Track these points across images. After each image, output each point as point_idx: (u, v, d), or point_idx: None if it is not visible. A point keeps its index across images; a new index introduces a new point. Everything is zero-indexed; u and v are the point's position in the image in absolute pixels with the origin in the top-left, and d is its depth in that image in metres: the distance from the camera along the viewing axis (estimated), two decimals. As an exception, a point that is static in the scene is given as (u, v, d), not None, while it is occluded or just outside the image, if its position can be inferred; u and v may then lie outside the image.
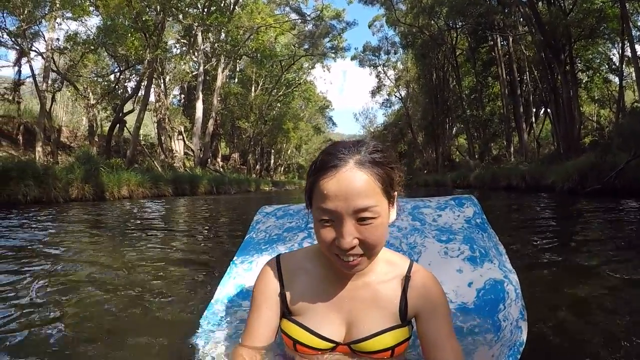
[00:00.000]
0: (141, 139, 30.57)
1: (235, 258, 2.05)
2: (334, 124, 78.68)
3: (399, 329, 1.23)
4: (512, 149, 30.20)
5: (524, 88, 29.30)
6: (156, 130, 32.34)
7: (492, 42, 31.13)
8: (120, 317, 2.13)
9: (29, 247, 4.51)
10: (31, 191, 12.83)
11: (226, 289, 1.89)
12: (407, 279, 1.26)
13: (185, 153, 33.48)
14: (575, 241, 4.82)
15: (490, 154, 34.53)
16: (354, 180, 1.07)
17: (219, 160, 41.19)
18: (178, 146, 32.99)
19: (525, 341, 1.34)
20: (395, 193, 1.18)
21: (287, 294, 1.27)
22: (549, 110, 25.87)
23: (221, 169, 37.14)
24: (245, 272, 1.96)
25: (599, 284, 2.74)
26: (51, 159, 21.04)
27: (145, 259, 3.86)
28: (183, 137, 33.09)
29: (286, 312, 1.28)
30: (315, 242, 1.96)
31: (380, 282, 1.26)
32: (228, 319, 1.73)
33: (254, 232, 2.22)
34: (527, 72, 28.16)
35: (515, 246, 4.42)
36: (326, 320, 1.24)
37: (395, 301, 1.24)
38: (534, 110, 30.57)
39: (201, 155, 30.07)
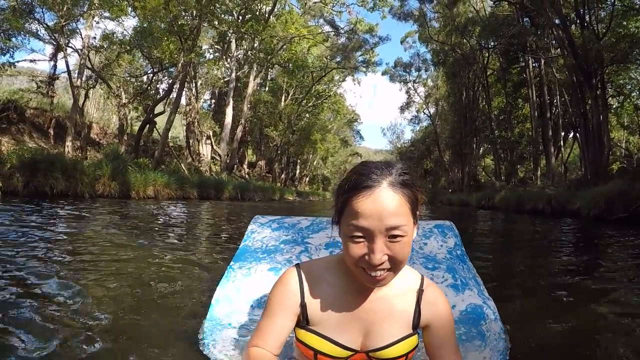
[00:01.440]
0: (170, 140, 31.02)
1: (232, 263, 2.13)
2: (361, 137, 78.57)
3: (412, 337, 1.33)
4: (539, 172, 29.72)
5: (553, 111, 28.84)
6: (185, 133, 32.85)
7: (523, 64, 30.76)
8: (132, 311, 2.23)
9: (52, 239, 4.67)
10: (58, 184, 13.00)
11: (225, 291, 1.97)
12: (420, 292, 1.37)
13: (212, 157, 33.75)
14: (590, 267, 4.72)
15: (516, 176, 34.00)
16: (387, 201, 1.14)
17: (245, 166, 41.42)
18: (206, 150, 33.31)
19: (509, 346, 1.60)
20: (418, 212, 1.26)
21: (308, 304, 1.32)
22: (577, 134, 25.48)
23: (247, 176, 37.34)
24: (244, 277, 2.04)
25: (609, 309, 2.72)
26: (80, 154, 21.33)
27: (163, 258, 3.95)
28: (211, 141, 33.48)
29: (303, 322, 1.33)
30: (313, 256, 2.09)
31: (396, 294, 1.34)
32: (230, 321, 1.83)
33: (249, 241, 2.29)
34: (558, 95, 27.70)
35: (536, 270, 4.43)
36: (345, 330, 1.30)
37: (409, 312, 1.34)
38: (563, 134, 29.98)
39: (228, 161, 30.39)
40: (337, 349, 1.29)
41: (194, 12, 22.45)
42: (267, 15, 30.22)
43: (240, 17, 28.18)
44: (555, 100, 28.53)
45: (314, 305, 1.32)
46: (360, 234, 1.16)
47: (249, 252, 2.19)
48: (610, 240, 7.68)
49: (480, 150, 44.00)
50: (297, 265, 1.38)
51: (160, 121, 27.63)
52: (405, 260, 1.21)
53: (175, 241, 5.41)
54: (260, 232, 2.34)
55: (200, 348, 1.66)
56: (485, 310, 1.89)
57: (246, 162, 43.23)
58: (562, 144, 29.36)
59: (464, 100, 43.34)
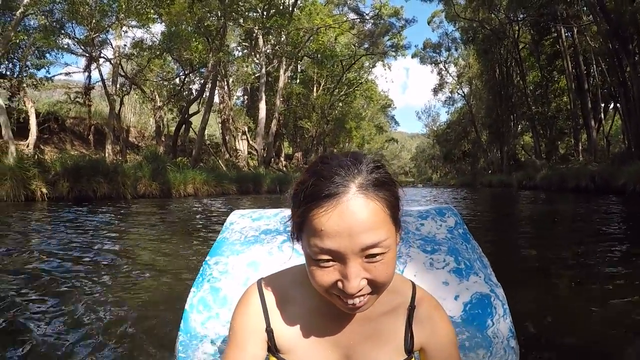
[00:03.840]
0: (206, 139, 31.70)
1: (208, 258, 1.89)
2: (396, 122, 77.56)
3: None
4: (580, 147, 28.75)
5: (591, 82, 27.82)
6: (220, 130, 33.42)
7: (556, 34, 29.55)
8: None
9: (96, 241, 5.18)
10: (101, 188, 13.71)
11: (200, 293, 1.76)
12: (412, 308, 1.11)
13: (249, 152, 34.35)
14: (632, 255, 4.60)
15: (557, 153, 33.08)
16: (359, 212, 0.86)
17: (282, 159, 41.76)
18: (242, 146, 33.92)
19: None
20: (400, 211, 0.98)
21: (275, 329, 1.09)
22: (618, 105, 24.60)
23: (284, 168, 37.72)
24: (220, 274, 1.82)
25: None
26: (120, 158, 22.05)
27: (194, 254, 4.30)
28: (247, 137, 34.01)
29: (272, 349, 1.09)
30: (296, 246, 2.01)
31: (382, 313, 1.09)
32: (206, 333, 1.62)
33: (227, 232, 2.06)
34: (594, 65, 26.65)
35: (582, 259, 4.45)
36: (322, 358, 1.08)
37: (399, 334, 1.10)
38: (603, 105, 28.74)
39: (264, 155, 30.79)
40: None
41: (219, 12, 22.79)
42: (290, 9, 30.40)
43: (265, 13, 28.46)
44: (592, 70, 27.47)
45: (282, 330, 1.09)
46: (327, 257, 0.90)
47: (226, 245, 1.95)
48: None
49: (519, 128, 42.83)
50: (260, 282, 1.14)
51: (196, 120, 28.40)
52: (390, 281, 0.95)
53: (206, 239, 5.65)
54: (239, 223, 2.11)
55: None
56: (494, 301, 1.62)
57: (283, 155, 43.58)
58: (602, 116, 28.18)
59: (497, 77, 42.28)
